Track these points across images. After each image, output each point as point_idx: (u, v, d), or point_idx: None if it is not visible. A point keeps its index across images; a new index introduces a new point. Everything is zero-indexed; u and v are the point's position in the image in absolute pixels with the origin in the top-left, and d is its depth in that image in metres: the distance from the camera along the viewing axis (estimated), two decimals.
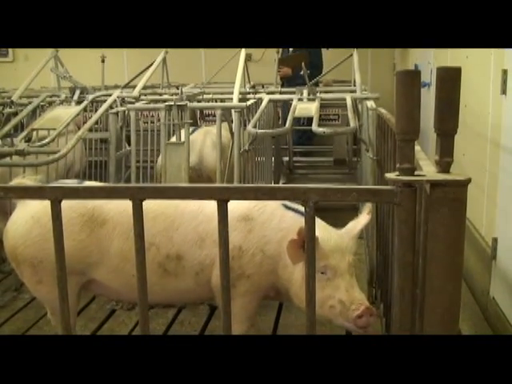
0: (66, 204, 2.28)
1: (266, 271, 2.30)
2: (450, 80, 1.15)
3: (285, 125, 3.22)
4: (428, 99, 4.52)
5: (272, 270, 2.29)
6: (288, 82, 5.73)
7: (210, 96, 4.28)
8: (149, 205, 2.22)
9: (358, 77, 4.14)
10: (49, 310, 2.53)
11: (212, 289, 2.34)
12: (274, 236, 2.26)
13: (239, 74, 3.85)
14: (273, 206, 2.33)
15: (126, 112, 3.77)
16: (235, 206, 2.24)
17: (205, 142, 4.07)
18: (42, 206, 2.27)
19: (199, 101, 4.07)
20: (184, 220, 2.30)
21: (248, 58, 5.12)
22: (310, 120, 3.21)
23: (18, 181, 2.42)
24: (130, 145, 3.80)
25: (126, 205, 2.29)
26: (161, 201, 2.17)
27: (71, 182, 2.51)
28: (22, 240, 2.30)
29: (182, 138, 3.37)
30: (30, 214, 2.31)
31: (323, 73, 5.19)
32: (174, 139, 3.52)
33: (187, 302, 2.97)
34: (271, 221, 2.28)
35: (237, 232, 2.25)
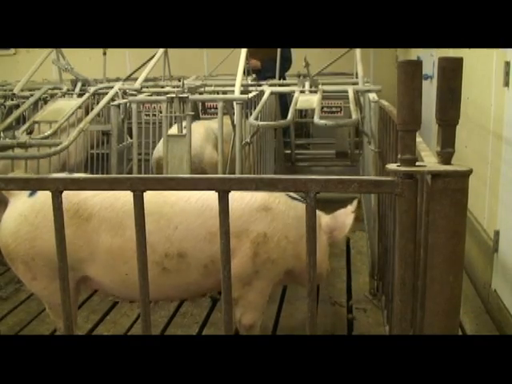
0: (50, 200, 2.28)
1: (289, 255, 2.42)
2: (451, 70, 1.14)
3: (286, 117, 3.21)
4: (430, 92, 4.50)
5: (293, 255, 2.42)
6: (257, 74, 5.62)
7: (212, 88, 4.27)
8: None
9: (360, 69, 4.12)
10: (46, 304, 2.51)
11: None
12: (295, 224, 2.38)
13: (241, 66, 3.84)
14: (284, 198, 2.45)
15: (128, 104, 3.76)
16: (251, 198, 2.37)
17: (200, 135, 4.06)
18: (30, 204, 2.27)
19: (201, 93, 4.06)
20: (185, 218, 2.28)
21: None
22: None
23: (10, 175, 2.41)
24: (131, 137, 3.80)
25: (112, 200, 2.29)
26: (153, 199, 2.19)
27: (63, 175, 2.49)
28: (12, 238, 2.28)
29: (182, 130, 3.37)
30: (17, 211, 2.30)
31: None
32: (172, 131, 3.50)
33: (187, 297, 2.96)
34: (289, 211, 2.40)
35: (259, 221, 2.35)
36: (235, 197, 2.30)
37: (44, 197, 2.17)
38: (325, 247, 2.56)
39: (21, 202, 2.31)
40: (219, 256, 2.24)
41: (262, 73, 5.65)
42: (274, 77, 5.27)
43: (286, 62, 5.83)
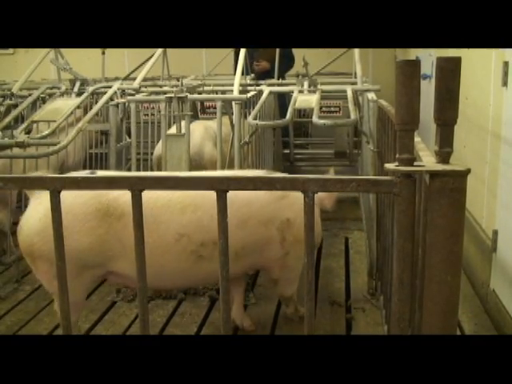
0: (80, 200, 2.30)
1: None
2: (449, 70, 1.14)
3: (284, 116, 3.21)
4: (429, 92, 4.50)
5: None
6: (267, 75, 5.62)
7: (211, 88, 4.28)
8: (173, 196, 2.31)
9: (358, 69, 4.12)
10: (59, 302, 2.54)
11: (259, 263, 2.66)
12: None
13: (240, 65, 3.84)
14: None
15: (127, 104, 3.75)
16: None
17: (201, 133, 4.08)
18: None
19: (200, 93, 4.06)
20: None
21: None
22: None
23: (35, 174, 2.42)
24: (130, 137, 3.80)
25: (143, 196, 2.37)
26: (186, 193, 2.34)
27: (84, 174, 2.53)
28: (38, 237, 2.30)
29: (181, 130, 3.37)
30: (44, 211, 2.31)
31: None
32: (171, 130, 3.51)
33: (217, 282, 3.07)
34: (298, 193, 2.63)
35: (282, 209, 2.54)
36: None
37: (71, 196, 2.25)
38: (318, 218, 2.74)
39: (46, 201, 2.31)
40: (248, 241, 2.51)
41: (270, 73, 5.64)
42: (282, 77, 5.27)
43: (291, 61, 5.84)
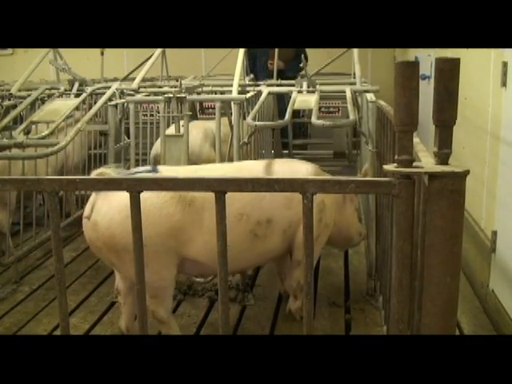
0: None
1: (333, 219, 2.88)
2: (448, 70, 1.14)
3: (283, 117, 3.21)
4: (428, 92, 4.49)
5: (333, 218, 2.89)
6: (280, 74, 5.61)
7: (210, 88, 4.28)
8: None
9: (357, 69, 4.12)
10: (149, 292, 2.56)
11: (292, 242, 2.77)
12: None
13: (239, 66, 3.83)
14: (320, 170, 3.01)
15: (126, 104, 3.75)
16: (306, 169, 2.88)
17: (199, 134, 4.08)
18: None
19: (198, 93, 4.06)
20: None
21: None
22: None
23: (99, 171, 2.41)
24: (129, 137, 3.79)
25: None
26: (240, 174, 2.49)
27: (145, 170, 2.56)
28: (120, 228, 2.33)
29: (180, 130, 3.37)
30: (123, 203, 2.32)
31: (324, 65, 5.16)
32: (169, 131, 3.50)
33: (266, 262, 3.26)
34: None
35: None
36: (295, 167, 2.90)
37: None
38: (353, 213, 3.06)
39: (121, 195, 2.34)
40: (295, 219, 2.66)
41: (284, 73, 5.65)
42: (295, 77, 5.29)
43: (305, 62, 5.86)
